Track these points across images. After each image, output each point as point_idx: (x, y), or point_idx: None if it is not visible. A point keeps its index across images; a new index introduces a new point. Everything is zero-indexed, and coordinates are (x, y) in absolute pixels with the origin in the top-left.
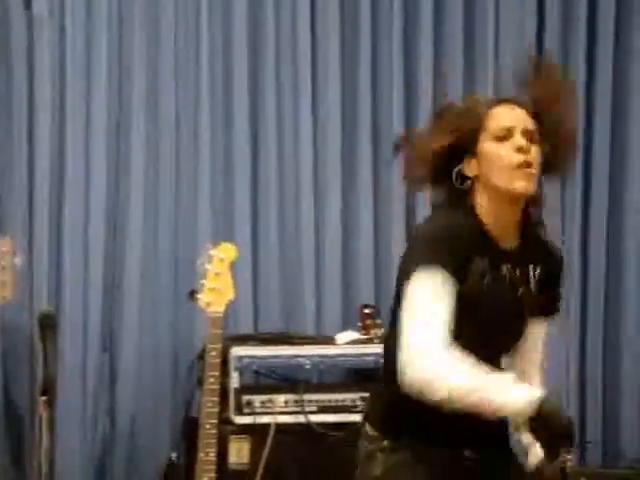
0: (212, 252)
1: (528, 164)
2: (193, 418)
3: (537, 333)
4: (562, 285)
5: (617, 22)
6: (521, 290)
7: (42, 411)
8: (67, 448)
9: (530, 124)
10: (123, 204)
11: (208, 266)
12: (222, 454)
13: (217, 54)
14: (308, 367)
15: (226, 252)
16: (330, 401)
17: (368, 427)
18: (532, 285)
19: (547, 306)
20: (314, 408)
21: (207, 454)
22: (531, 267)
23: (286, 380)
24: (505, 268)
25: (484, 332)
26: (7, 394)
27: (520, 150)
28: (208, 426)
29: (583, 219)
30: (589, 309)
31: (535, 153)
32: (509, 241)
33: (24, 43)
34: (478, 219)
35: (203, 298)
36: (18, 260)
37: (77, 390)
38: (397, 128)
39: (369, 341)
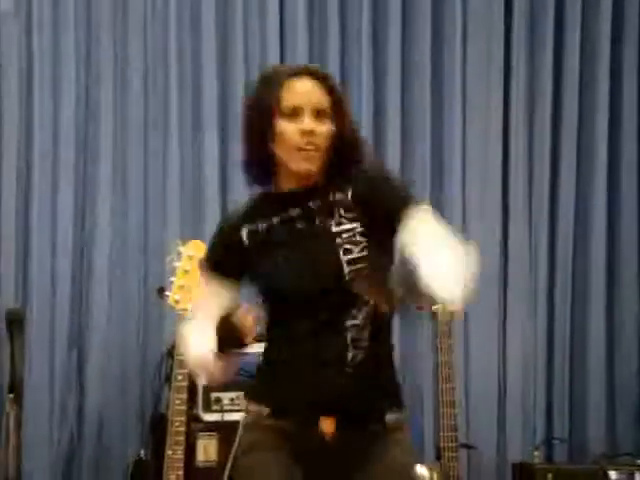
0: (181, 249)
1: (311, 147)
2: (162, 415)
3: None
4: (392, 187)
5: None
6: (319, 220)
7: (9, 409)
8: (35, 446)
9: (322, 101)
10: (92, 198)
11: (177, 263)
12: (190, 451)
13: (186, 57)
14: None
15: (195, 249)
16: None
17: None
18: (339, 212)
19: (384, 210)
20: None
21: (175, 452)
22: (331, 195)
23: (253, 377)
24: (295, 211)
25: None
26: None
27: (304, 134)
28: (177, 423)
29: (550, 209)
30: (556, 308)
31: (323, 132)
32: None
33: None
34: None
35: (172, 295)
36: None
37: (44, 388)
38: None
39: None
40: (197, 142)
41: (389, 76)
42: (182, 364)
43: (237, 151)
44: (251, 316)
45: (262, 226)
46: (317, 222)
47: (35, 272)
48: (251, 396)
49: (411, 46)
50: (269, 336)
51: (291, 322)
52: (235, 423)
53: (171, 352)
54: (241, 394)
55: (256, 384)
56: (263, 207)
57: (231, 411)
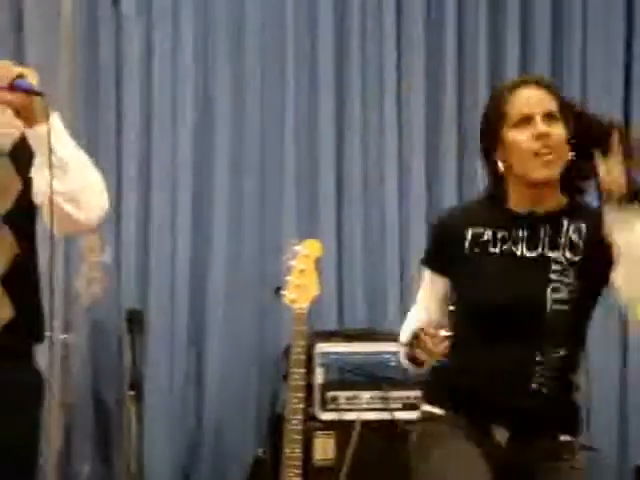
0: (297, 249)
1: (547, 151)
2: (279, 414)
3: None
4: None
5: None
6: (541, 249)
7: (130, 407)
8: (155, 443)
9: (551, 105)
10: (209, 201)
11: (293, 263)
12: (307, 450)
13: (304, 54)
14: (393, 364)
15: (311, 248)
16: (415, 398)
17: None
18: (564, 248)
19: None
20: (399, 405)
21: (293, 450)
22: (564, 227)
23: (370, 377)
24: (523, 232)
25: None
26: (96, 391)
27: (539, 137)
28: (294, 422)
29: None
30: None
31: (557, 135)
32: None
33: (112, 41)
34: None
35: (288, 295)
36: (106, 257)
37: (164, 387)
38: None
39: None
40: (313, 143)
41: None
42: (299, 363)
43: (351, 152)
44: (439, 340)
45: (488, 234)
46: (539, 250)
47: (155, 273)
48: (431, 398)
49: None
50: (457, 341)
51: (485, 334)
52: (351, 422)
53: (288, 351)
54: (357, 392)
55: (437, 386)
56: (490, 215)
57: (347, 410)
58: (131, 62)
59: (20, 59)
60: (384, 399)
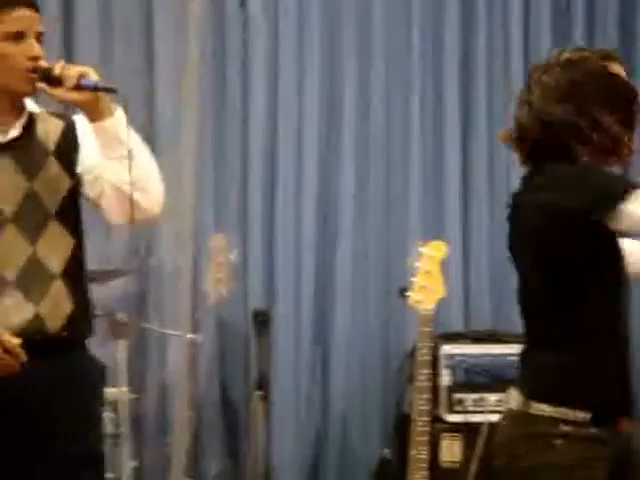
0: (422, 250)
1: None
2: (405, 415)
3: None
4: None
5: None
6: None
7: (257, 404)
8: (282, 441)
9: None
10: (334, 202)
11: (418, 264)
12: (434, 452)
13: (429, 57)
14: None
15: (436, 250)
16: None
17: (537, 405)
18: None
19: None
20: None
21: (419, 452)
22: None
23: (497, 378)
24: None
25: None
26: (224, 389)
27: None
28: (420, 424)
29: None
30: None
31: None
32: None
33: (239, 40)
34: None
35: (413, 296)
36: (233, 256)
37: (291, 386)
38: None
39: None
40: (438, 145)
41: None
42: (425, 364)
43: (477, 155)
44: None
45: None
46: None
47: (280, 273)
48: (563, 400)
49: None
50: (588, 333)
51: (620, 324)
52: (479, 425)
53: (413, 352)
54: (483, 395)
55: (564, 386)
56: None
57: (474, 412)
58: (257, 60)
59: (150, 59)
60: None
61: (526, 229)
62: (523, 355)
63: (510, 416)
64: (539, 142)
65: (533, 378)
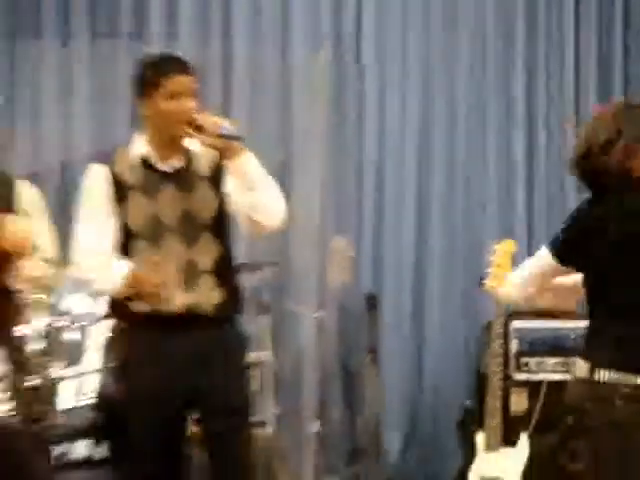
0: (496, 247)
1: None
2: (483, 374)
3: None
4: None
5: None
6: None
7: (369, 368)
8: (388, 395)
9: None
10: (428, 210)
11: (493, 258)
12: (505, 403)
13: (500, 91)
14: (572, 338)
15: (507, 247)
16: None
17: (602, 372)
18: None
19: None
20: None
21: (494, 402)
22: None
23: (553, 346)
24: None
25: None
26: (343, 355)
27: None
28: (494, 381)
29: None
30: None
31: None
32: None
33: (355, 86)
34: None
35: (489, 283)
36: (351, 253)
37: (395, 353)
38: None
39: None
40: (509, 163)
41: None
42: (498, 335)
43: (538, 172)
44: None
45: None
46: None
47: (386, 265)
48: (625, 367)
49: None
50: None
51: None
52: (539, 382)
53: (489, 326)
54: (544, 359)
55: (627, 355)
56: None
57: (536, 372)
58: (370, 99)
59: (289, 117)
60: (565, 364)
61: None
62: (589, 329)
63: (578, 381)
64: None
65: (598, 348)
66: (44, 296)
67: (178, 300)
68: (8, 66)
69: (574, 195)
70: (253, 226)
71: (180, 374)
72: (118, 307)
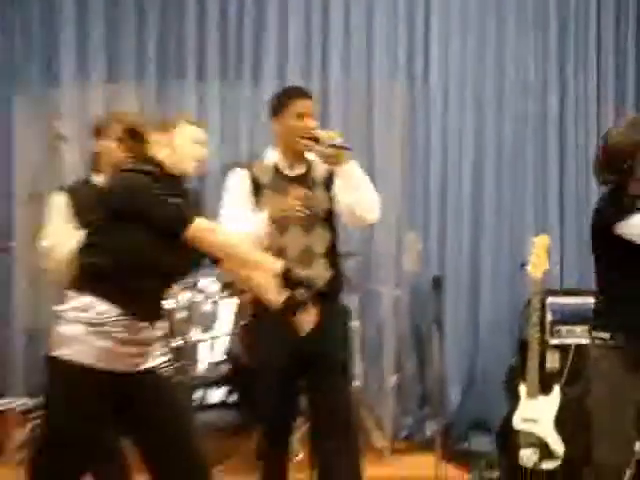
0: (534, 239)
1: None
2: (525, 340)
3: None
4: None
5: None
6: None
7: (435, 334)
8: (451, 357)
9: None
10: (481, 208)
11: (532, 248)
12: (542, 362)
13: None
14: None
15: (543, 240)
16: None
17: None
18: None
19: None
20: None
21: (533, 362)
22: None
23: (579, 317)
24: None
25: None
26: (414, 326)
27: None
28: (534, 345)
29: None
30: None
31: None
32: None
33: (423, 105)
34: None
35: (529, 268)
36: (419, 245)
37: (455, 322)
38: None
39: None
40: (544, 166)
41: None
42: (536, 309)
43: (569, 176)
44: None
45: None
46: None
47: (449, 254)
48: (605, 327)
49: None
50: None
51: None
52: (569, 345)
53: (530, 302)
54: (573, 327)
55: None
56: None
57: (567, 337)
58: (435, 119)
59: (372, 133)
60: (590, 332)
61: None
62: (609, 305)
63: (602, 347)
64: None
65: (617, 320)
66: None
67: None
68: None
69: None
70: (355, 220)
71: (299, 339)
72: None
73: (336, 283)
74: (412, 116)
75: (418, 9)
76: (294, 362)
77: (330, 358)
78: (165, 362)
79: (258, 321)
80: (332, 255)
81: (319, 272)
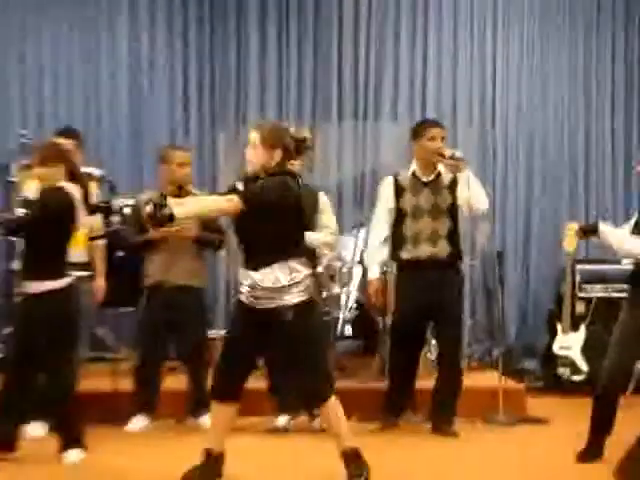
0: (568, 225)
1: None
2: (561, 293)
3: None
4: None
5: None
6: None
7: (498, 289)
8: (508, 305)
9: None
10: (531, 203)
11: (565, 231)
12: (573, 308)
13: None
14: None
15: (572, 226)
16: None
17: None
18: None
19: None
20: (619, 287)
21: (567, 308)
22: None
23: (600, 279)
24: None
25: None
26: (485, 286)
27: None
28: (567, 296)
29: None
30: None
31: None
32: None
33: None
34: None
35: (564, 246)
36: (488, 229)
37: (512, 281)
38: None
39: None
40: (570, 173)
41: None
42: (569, 274)
43: (599, 175)
44: None
45: None
46: None
47: (507, 232)
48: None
49: None
50: None
51: None
52: (592, 298)
53: (565, 268)
54: (594, 285)
55: None
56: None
57: (591, 292)
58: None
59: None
60: (609, 290)
61: None
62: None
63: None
64: None
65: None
66: (327, 251)
67: (426, 252)
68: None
69: (619, 190)
70: (472, 209)
71: (425, 298)
72: (393, 254)
73: (454, 256)
74: (484, 145)
75: None
76: (421, 312)
77: (449, 311)
78: (303, 300)
79: (398, 280)
80: (451, 237)
81: (442, 248)
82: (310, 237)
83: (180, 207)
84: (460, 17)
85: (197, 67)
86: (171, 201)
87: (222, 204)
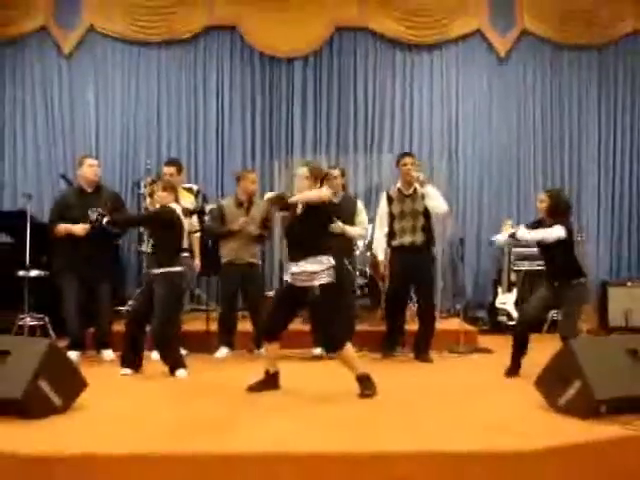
0: (505, 222)
1: None
2: (501, 268)
3: None
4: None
5: None
6: None
7: (461, 263)
8: (468, 274)
9: None
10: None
11: (503, 226)
12: (508, 277)
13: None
14: None
15: (507, 222)
16: None
17: None
18: None
19: None
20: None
21: (504, 277)
22: None
23: (526, 257)
24: None
25: None
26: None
27: None
28: (505, 268)
29: None
30: None
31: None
32: None
33: None
34: None
35: (503, 234)
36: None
37: (472, 259)
38: None
39: None
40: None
41: None
42: (506, 252)
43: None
44: None
45: None
46: None
47: (467, 220)
48: None
49: None
50: None
51: None
52: (521, 270)
53: (503, 250)
54: (524, 262)
55: None
56: None
57: (520, 266)
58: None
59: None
60: (534, 265)
61: None
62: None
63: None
64: None
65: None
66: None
67: (408, 240)
68: None
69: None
70: (436, 214)
71: (408, 270)
72: (387, 242)
73: (428, 242)
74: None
75: None
76: (405, 281)
77: (425, 284)
78: (326, 281)
79: (392, 256)
80: (427, 228)
81: (419, 237)
82: (350, 231)
83: (293, 198)
84: (434, 81)
85: (260, 119)
86: (288, 194)
87: (322, 193)
